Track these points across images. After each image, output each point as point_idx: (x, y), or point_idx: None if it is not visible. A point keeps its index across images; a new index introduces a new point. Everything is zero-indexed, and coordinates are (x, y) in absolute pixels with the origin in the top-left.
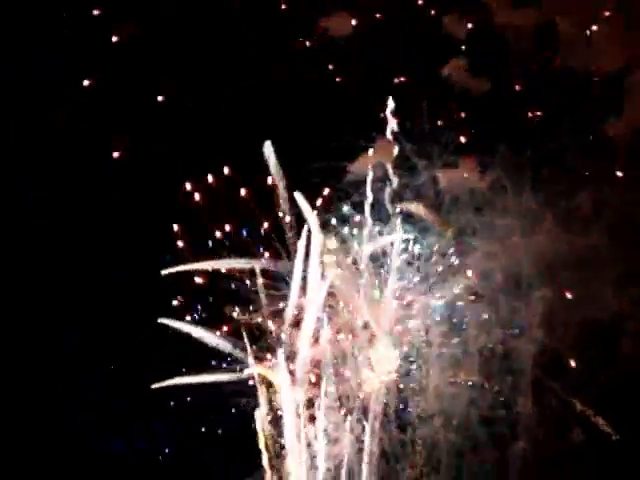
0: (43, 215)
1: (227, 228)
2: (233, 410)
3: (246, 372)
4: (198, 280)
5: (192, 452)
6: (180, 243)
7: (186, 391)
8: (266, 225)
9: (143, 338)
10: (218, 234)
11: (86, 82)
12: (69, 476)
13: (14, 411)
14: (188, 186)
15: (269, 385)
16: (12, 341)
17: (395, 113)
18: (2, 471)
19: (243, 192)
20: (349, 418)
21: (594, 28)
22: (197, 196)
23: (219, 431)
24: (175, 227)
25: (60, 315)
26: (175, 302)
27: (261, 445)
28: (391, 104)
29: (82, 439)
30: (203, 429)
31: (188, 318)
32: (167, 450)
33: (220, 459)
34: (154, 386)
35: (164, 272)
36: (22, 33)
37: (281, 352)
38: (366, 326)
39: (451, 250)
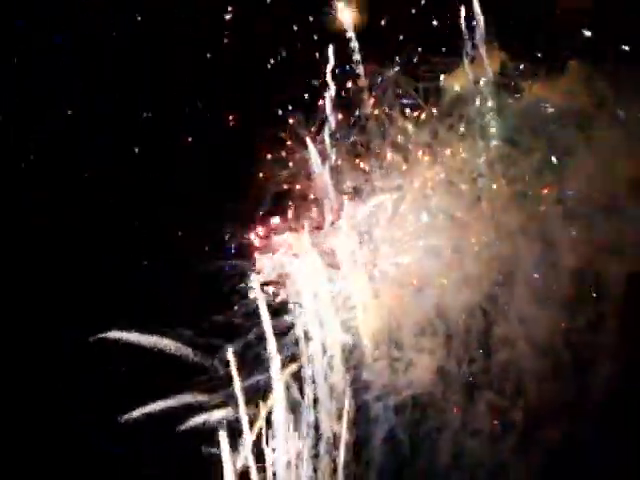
0: (43, 215)
1: None
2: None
3: None
4: None
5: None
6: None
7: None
8: None
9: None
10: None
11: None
12: (69, 476)
13: (14, 411)
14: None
15: None
16: (12, 341)
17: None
18: (2, 471)
19: None
20: None
21: None
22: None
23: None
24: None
25: (60, 315)
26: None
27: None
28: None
29: (82, 439)
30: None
31: None
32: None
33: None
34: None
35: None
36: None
37: None
38: None
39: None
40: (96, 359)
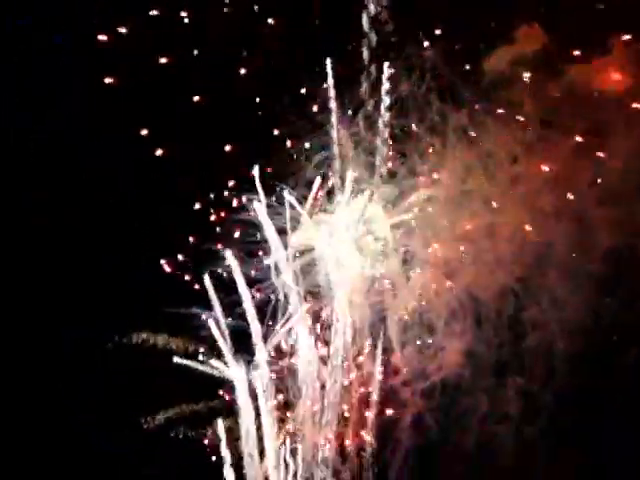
0: (43, 215)
1: None
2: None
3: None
4: None
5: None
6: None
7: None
8: None
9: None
10: None
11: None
12: (69, 476)
13: (14, 411)
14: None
15: None
16: (12, 341)
17: None
18: (2, 471)
19: None
20: None
21: None
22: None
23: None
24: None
25: (60, 315)
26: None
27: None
28: None
29: (82, 439)
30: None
31: None
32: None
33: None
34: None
35: None
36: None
37: None
38: None
39: None
40: (96, 359)
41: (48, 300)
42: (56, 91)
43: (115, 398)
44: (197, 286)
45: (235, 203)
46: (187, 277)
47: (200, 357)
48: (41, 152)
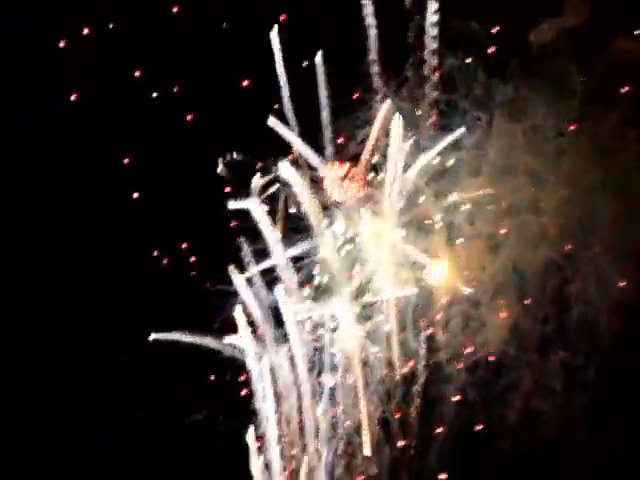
0: (43, 215)
1: None
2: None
3: None
4: None
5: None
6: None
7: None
8: None
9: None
10: None
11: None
12: (69, 476)
13: (14, 411)
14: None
15: None
16: (12, 341)
17: None
18: (2, 471)
19: None
20: None
21: None
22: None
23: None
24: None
25: (60, 315)
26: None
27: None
28: None
29: (82, 439)
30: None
31: None
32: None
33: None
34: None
35: None
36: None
37: None
38: None
39: None
40: (96, 359)
41: (48, 300)
42: (56, 91)
43: (115, 398)
44: None
45: None
46: None
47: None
48: (41, 152)
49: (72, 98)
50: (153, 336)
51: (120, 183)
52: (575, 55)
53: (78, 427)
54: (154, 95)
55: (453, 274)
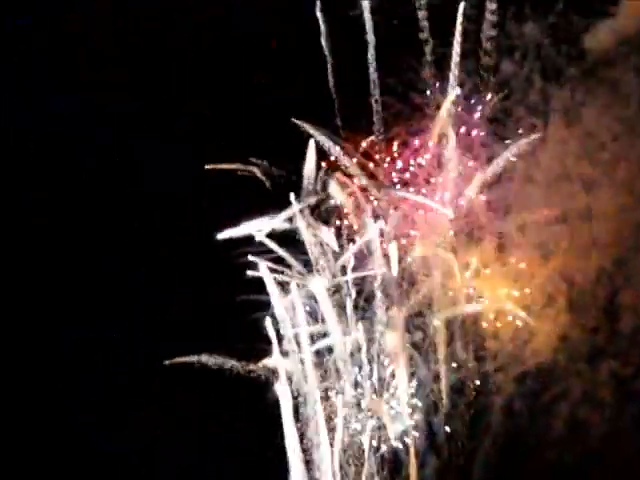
0: (43, 215)
1: None
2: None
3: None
4: None
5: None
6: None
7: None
8: None
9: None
10: None
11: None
12: (69, 476)
13: (14, 411)
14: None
15: None
16: (12, 341)
17: None
18: (2, 471)
19: None
20: None
21: None
22: None
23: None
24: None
25: (60, 315)
26: None
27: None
28: None
29: (82, 439)
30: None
31: None
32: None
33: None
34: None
35: None
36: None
37: None
38: None
39: None
40: (96, 359)
41: (48, 300)
42: (56, 91)
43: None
44: None
45: None
46: None
47: None
48: (41, 152)
49: (72, 98)
50: (177, 359)
51: (120, 183)
52: (630, 60)
53: (78, 427)
54: (154, 95)
55: (503, 284)
